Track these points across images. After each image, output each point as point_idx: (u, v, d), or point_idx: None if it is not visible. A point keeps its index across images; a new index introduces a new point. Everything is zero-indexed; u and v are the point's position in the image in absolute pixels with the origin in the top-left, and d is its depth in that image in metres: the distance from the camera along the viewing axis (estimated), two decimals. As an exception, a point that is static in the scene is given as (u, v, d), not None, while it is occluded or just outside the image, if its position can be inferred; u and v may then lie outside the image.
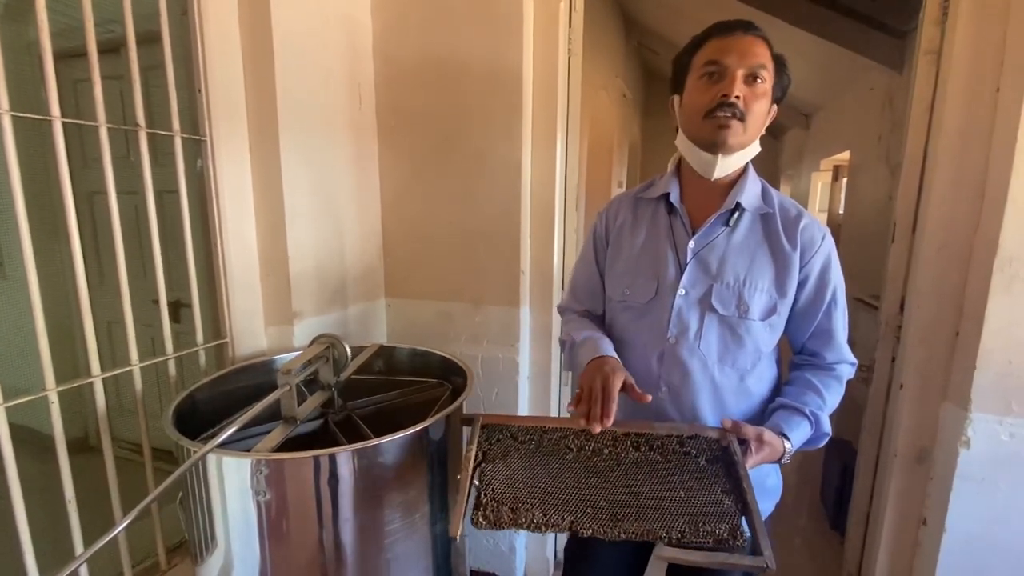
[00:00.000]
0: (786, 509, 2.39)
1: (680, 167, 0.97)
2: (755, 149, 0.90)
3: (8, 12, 1.33)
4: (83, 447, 1.91)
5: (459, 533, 0.75)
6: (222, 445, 0.91)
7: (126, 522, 0.75)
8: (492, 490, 0.80)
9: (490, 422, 0.91)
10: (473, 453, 0.84)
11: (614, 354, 0.92)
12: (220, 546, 0.91)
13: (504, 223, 1.55)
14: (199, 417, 1.11)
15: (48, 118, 0.95)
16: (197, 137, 1.24)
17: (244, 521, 0.88)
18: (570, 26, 1.57)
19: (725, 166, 0.88)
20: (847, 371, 0.97)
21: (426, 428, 0.94)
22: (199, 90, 1.22)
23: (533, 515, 0.76)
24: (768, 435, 0.84)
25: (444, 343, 1.66)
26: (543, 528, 0.76)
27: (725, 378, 0.92)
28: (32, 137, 1.24)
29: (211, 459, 0.86)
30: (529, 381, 1.69)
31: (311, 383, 1.16)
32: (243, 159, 1.31)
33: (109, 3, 1.10)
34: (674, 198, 0.94)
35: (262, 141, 1.31)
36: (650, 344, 0.93)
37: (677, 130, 0.95)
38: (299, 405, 0.99)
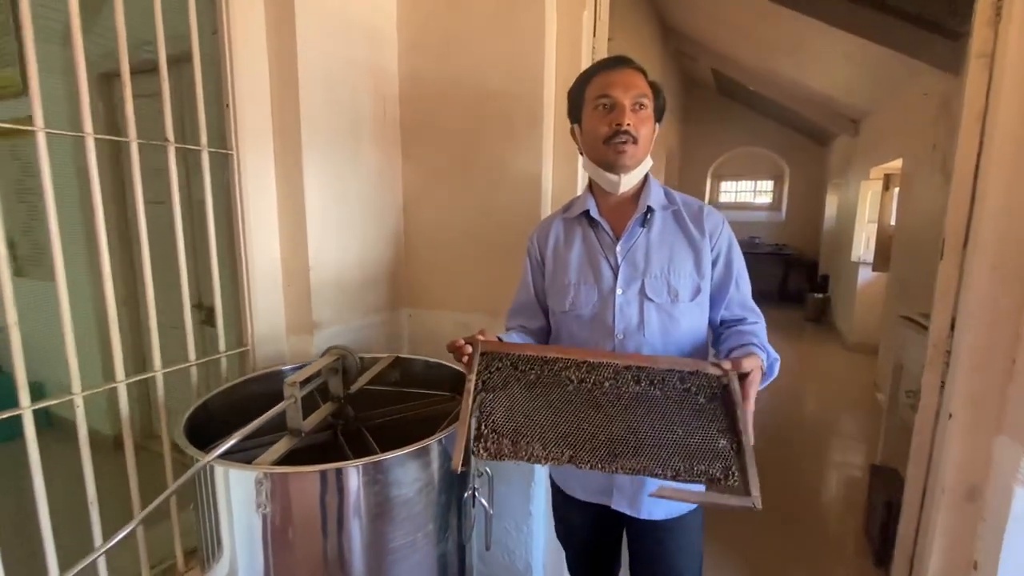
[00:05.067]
0: (828, 540, 2.25)
1: (592, 186, 1.08)
2: (649, 163, 1.03)
3: (62, 38, 1.42)
4: (122, 443, 2.00)
5: (460, 468, 0.75)
6: (232, 454, 0.93)
7: (129, 528, 0.77)
8: (492, 421, 0.79)
9: (490, 349, 0.88)
10: (473, 383, 0.82)
11: (505, 338, 1.02)
12: (226, 555, 0.92)
13: (523, 235, 1.52)
14: (219, 424, 1.13)
15: (81, 134, 1.00)
16: (224, 151, 1.28)
17: (247, 532, 0.88)
18: (594, 35, 1.54)
19: (628, 181, 1.00)
20: (763, 322, 1.05)
21: (429, 445, 0.92)
22: (227, 105, 1.26)
23: (533, 448, 0.77)
24: (755, 358, 0.88)
25: (463, 355, 1.65)
26: (542, 461, 0.77)
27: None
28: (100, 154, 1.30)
29: (218, 469, 0.87)
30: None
31: (324, 393, 1.17)
32: (268, 172, 1.35)
33: (148, 25, 1.15)
34: (594, 213, 1.04)
35: (286, 154, 1.34)
36: (601, 343, 1.02)
37: (581, 154, 1.08)
38: (307, 416, 0.99)
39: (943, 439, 1.24)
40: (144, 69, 1.17)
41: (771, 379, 0.98)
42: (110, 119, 2.07)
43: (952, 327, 1.25)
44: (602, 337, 1.02)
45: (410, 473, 0.92)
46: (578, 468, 0.77)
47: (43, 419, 1.01)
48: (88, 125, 1.01)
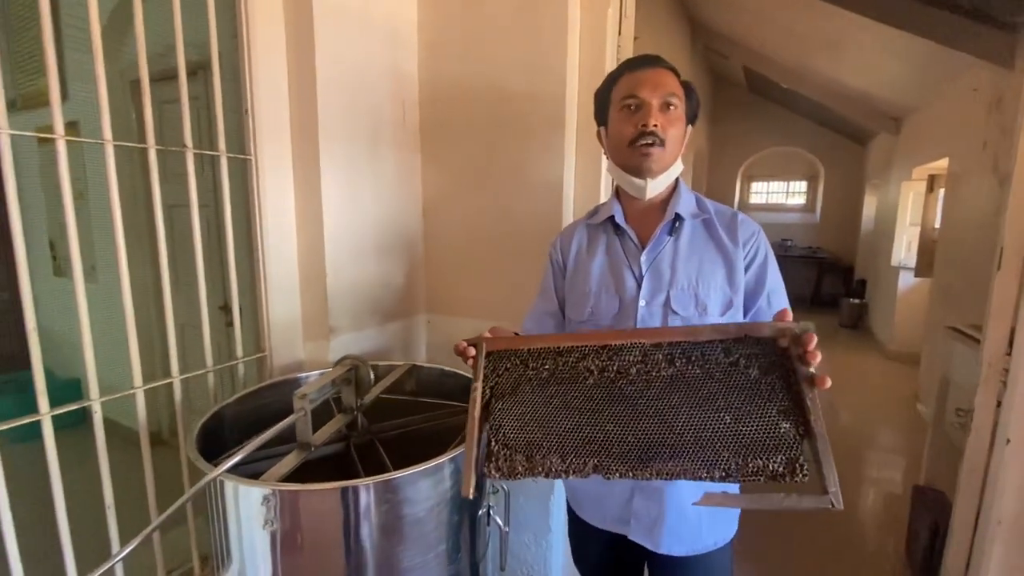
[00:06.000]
0: (865, 560, 2.13)
1: (619, 191, 1.02)
2: (679, 168, 0.97)
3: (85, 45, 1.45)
4: (156, 441, 2.05)
5: (472, 493, 0.68)
6: (245, 465, 0.92)
7: (137, 541, 0.76)
8: (503, 435, 0.70)
9: (496, 348, 0.77)
10: (479, 392, 0.73)
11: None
12: (235, 568, 0.90)
13: (544, 241, 1.48)
14: (236, 430, 1.12)
15: (100, 141, 1.00)
16: (243, 156, 1.27)
17: (256, 547, 0.87)
18: (620, 33, 1.49)
19: (655, 187, 0.94)
20: None
21: (442, 463, 0.89)
22: (245, 111, 1.26)
23: (550, 461, 0.68)
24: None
25: (482, 363, 1.62)
26: (564, 475, 0.68)
27: None
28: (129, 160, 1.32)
29: (228, 484, 0.86)
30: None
31: (337, 401, 1.15)
32: (286, 177, 1.34)
33: (183, 32, 1.14)
34: (619, 219, 0.99)
35: (304, 160, 1.33)
36: None
37: (606, 156, 1.03)
38: (318, 429, 0.97)
39: (999, 465, 1.14)
40: (173, 76, 1.17)
41: None
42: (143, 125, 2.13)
43: (1011, 344, 1.16)
44: None
45: (421, 492, 0.89)
46: (606, 478, 0.67)
47: (78, 415, 1.05)
48: (108, 132, 1.01)
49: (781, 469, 0.62)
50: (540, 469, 0.68)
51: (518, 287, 1.55)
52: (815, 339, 0.67)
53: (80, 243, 1.02)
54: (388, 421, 1.19)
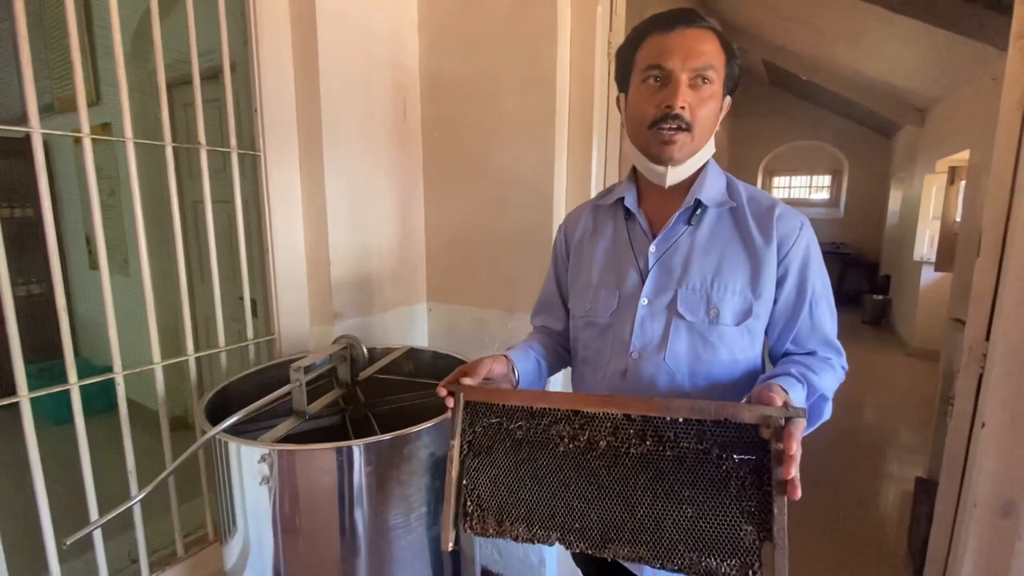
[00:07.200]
0: (874, 555, 2.13)
1: (636, 171, 0.89)
2: (709, 151, 0.83)
3: (127, 56, 1.58)
4: (182, 425, 2.18)
5: (450, 545, 0.73)
6: (246, 434, 1.01)
7: (149, 488, 0.86)
8: (477, 496, 0.74)
9: (475, 399, 0.75)
10: (457, 450, 0.74)
11: (511, 356, 0.86)
12: (239, 522, 1.00)
13: (536, 232, 1.55)
14: (245, 405, 1.22)
15: (121, 139, 1.11)
16: (253, 152, 1.37)
17: (254, 501, 0.96)
18: (611, 30, 1.54)
19: (677, 175, 0.81)
20: (840, 365, 0.85)
21: (420, 431, 0.96)
22: (255, 109, 1.36)
23: (517, 529, 0.72)
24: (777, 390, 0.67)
25: (480, 348, 1.69)
26: (530, 543, 0.71)
27: (700, 394, 0.81)
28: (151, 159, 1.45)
29: (231, 445, 0.95)
30: (561, 389, 1.66)
31: (339, 380, 1.23)
32: (293, 171, 1.44)
33: (206, 37, 1.25)
34: (630, 202, 0.86)
35: (310, 155, 1.43)
36: (613, 362, 0.86)
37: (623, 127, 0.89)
38: (314, 401, 1.05)
39: (975, 449, 1.16)
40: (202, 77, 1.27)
41: (813, 426, 0.81)
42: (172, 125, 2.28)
43: (989, 329, 1.17)
44: (615, 353, 0.85)
45: (403, 456, 0.97)
46: (568, 550, 0.69)
47: (109, 402, 1.16)
48: (128, 131, 1.12)
49: (734, 573, 0.62)
50: (509, 534, 0.72)
51: (513, 277, 1.62)
52: (799, 432, 0.60)
53: (114, 238, 1.13)
54: (384, 398, 1.27)
